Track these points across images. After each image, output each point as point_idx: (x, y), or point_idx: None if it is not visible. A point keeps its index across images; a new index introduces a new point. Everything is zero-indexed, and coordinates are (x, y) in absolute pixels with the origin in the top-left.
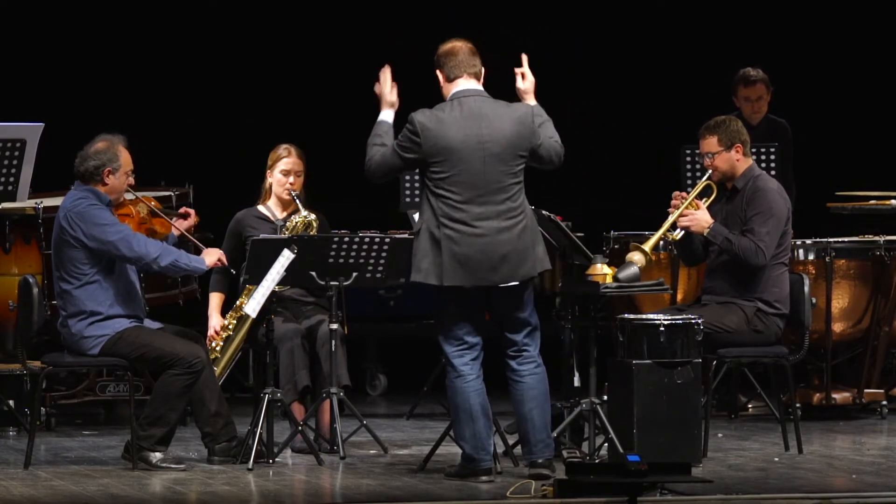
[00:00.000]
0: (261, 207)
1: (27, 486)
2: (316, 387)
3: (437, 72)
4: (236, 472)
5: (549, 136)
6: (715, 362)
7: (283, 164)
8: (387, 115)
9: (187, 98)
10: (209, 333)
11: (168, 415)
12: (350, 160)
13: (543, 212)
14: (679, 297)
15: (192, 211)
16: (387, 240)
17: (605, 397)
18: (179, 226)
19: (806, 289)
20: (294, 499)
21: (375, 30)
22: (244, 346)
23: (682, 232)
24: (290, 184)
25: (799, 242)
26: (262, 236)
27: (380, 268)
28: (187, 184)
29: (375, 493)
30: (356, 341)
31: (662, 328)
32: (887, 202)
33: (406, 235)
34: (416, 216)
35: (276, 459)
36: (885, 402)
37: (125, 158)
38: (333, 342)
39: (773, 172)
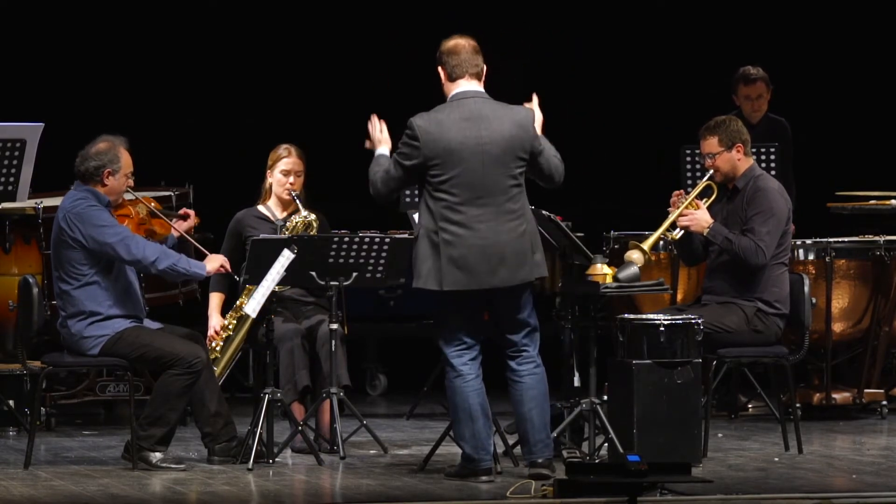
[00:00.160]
0: (261, 207)
1: (27, 486)
2: (316, 387)
3: (439, 68)
4: (236, 472)
5: (553, 154)
6: (715, 362)
7: (284, 164)
8: (383, 150)
9: (187, 98)
10: (209, 333)
11: (168, 415)
12: (350, 160)
13: (543, 212)
14: (679, 297)
15: (191, 212)
16: (387, 240)
17: (605, 397)
18: (179, 227)
19: (806, 289)
20: (294, 499)
21: (376, 30)
22: (244, 346)
23: (682, 231)
24: (291, 184)
25: (799, 242)
26: (262, 236)
27: (380, 268)
28: (187, 184)
29: (375, 493)
30: (356, 341)
31: (662, 328)
32: (887, 202)
33: (406, 235)
34: (416, 216)
35: (276, 459)
36: (885, 402)
37: (126, 160)
38: (333, 342)
39: (773, 172)
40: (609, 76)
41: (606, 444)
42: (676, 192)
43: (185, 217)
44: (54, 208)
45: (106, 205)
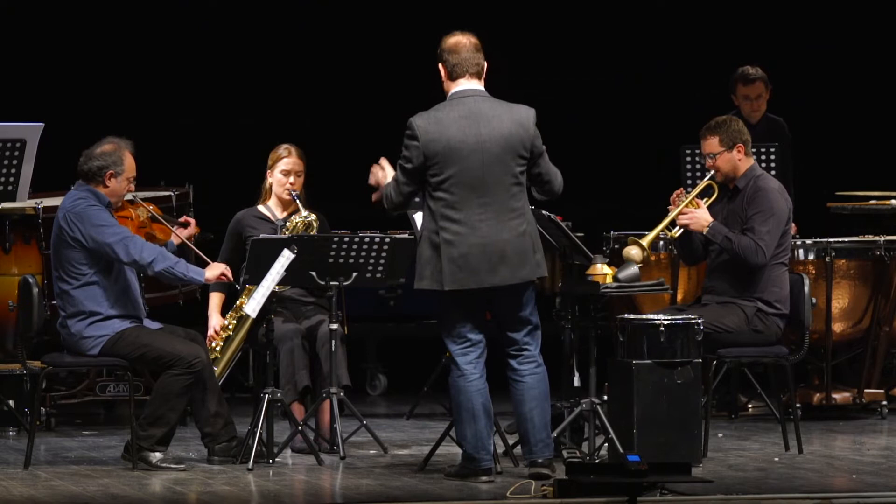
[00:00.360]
0: (261, 207)
1: (27, 486)
2: (316, 387)
3: (440, 66)
4: (236, 472)
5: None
6: (715, 362)
7: (284, 164)
8: (390, 178)
9: (187, 98)
10: (209, 333)
11: (168, 415)
12: (350, 160)
13: (543, 212)
14: (679, 297)
15: (192, 220)
16: (387, 240)
17: (605, 397)
18: (180, 233)
19: (806, 289)
20: (294, 499)
21: (376, 30)
22: (244, 346)
23: (681, 230)
24: (291, 184)
25: (799, 242)
26: (262, 236)
27: (380, 268)
28: (187, 184)
29: (375, 493)
30: (356, 341)
31: (662, 328)
32: (887, 202)
33: (406, 235)
34: (416, 216)
35: (276, 459)
36: (885, 402)
37: (129, 164)
38: (333, 342)
39: (773, 172)
40: (609, 76)
41: (606, 444)
42: (677, 191)
43: (185, 225)
44: (54, 208)
45: (106, 205)
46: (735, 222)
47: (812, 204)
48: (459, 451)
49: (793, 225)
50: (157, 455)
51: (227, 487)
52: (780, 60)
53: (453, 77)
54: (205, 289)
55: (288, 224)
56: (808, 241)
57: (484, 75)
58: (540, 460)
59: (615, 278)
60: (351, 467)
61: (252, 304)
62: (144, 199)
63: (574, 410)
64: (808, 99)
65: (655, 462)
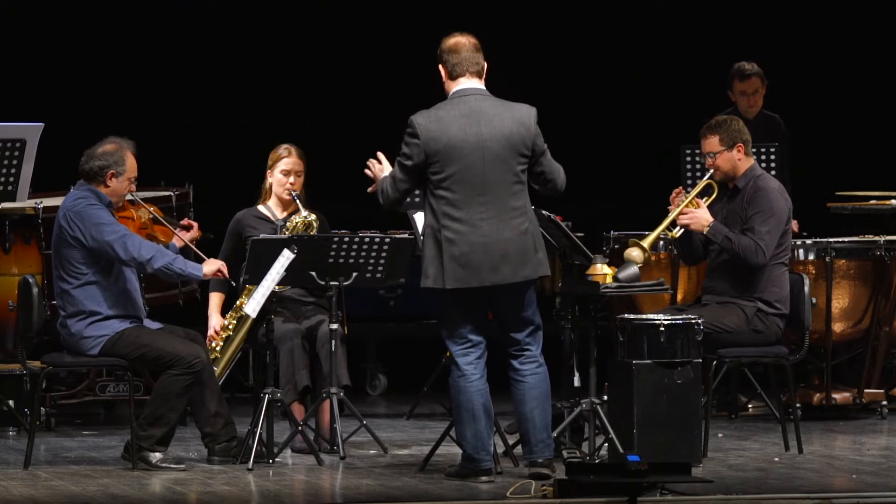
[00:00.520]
0: (261, 207)
1: (27, 486)
2: (316, 387)
3: (440, 66)
4: (236, 472)
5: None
6: (715, 362)
7: (284, 164)
8: (387, 172)
9: (187, 98)
10: (209, 333)
11: (168, 415)
12: (350, 160)
13: (543, 212)
14: (679, 297)
15: (195, 224)
16: (387, 240)
17: (605, 397)
18: (182, 236)
19: (806, 289)
20: (294, 499)
21: (376, 30)
22: (244, 346)
23: (682, 230)
24: (291, 184)
25: (799, 242)
26: (262, 236)
27: (380, 268)
28: (187, 184)
29: (375, 493)
30: (356, 341)
31: (662, 328)
32: (887, 202)
33: (406, 235)
34: (416, 216)
35: (276, 459)
36: (885, 402)
37: (131, 164)
38: (333, 342)
39: (773, 172)
40: (609, 76)
41: (606, 444)
42: (676, 190)
43: (188, 227)
44: (54, 208)
45: (107, 205)
46: (735, 222)
47: (812, 204)
48: (459, 451)
49: (794, 222)
50: (157, 455)
51: (227, 487)
52: (780, 60)
53: (454, 77)
54: (205, 289)
55: (288, 224)
56: (808, 241)
57: (484, 75)
58: (540, 460)
59: (615, 278)
60: (351, 467)
61: (252, 304)
62: (145, 200)
63: (574, 410)
64: (808, 99)
65: (655, 462)
